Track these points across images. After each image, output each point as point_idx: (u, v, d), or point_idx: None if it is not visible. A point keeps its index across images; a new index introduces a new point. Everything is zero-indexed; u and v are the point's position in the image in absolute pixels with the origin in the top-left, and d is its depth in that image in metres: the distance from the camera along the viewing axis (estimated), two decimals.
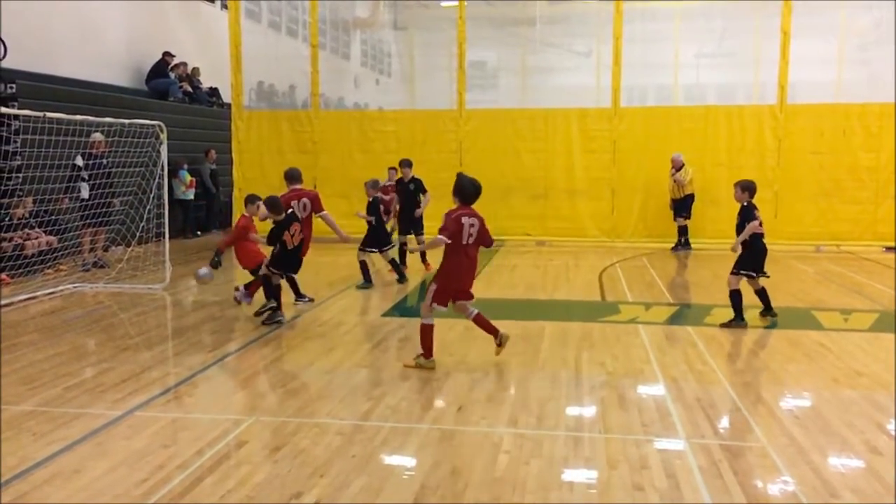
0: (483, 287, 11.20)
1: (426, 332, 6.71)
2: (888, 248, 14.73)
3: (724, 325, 8.25)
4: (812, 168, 15.17)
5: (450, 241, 6.55)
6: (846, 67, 21.54)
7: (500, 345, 6.92)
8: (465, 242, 6.61)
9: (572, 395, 6.11)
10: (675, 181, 14.66)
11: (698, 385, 6.31)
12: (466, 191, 6.67)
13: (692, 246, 14.84)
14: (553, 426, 5.39)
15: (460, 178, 6.85)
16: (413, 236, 11.84)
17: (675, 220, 14.88)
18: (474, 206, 6.77)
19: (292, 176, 9.84)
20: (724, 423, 5.54)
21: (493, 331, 6.93)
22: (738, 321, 8.23)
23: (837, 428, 5.36)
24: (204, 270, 8.96)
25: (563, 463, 4.75)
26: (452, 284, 6.75)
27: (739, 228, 8.27)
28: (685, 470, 4.63)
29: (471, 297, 6.93)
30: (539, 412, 5.64)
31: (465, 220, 6.58)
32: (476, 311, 6.94)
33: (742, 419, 5.62)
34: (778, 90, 15.25)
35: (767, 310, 8.57)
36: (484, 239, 6.75)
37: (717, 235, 14.11)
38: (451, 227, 6.54)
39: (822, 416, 5.63)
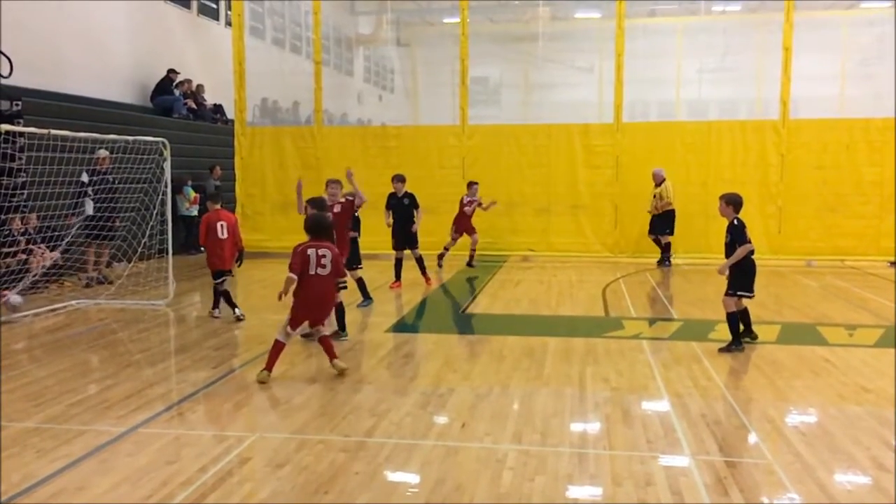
0: (487, 302, 11.22)
1: (274, 348, 6.97)
2: (892, 263, 14.70)
3: (722, 350, 7.91)
4: (815, 183, 15.17)
5: (295, 277, 6.80)
6: (849, 83, 21.64)
7: (334, 365, 7.06)
8: (313, 273, 6.85)
9: (576, 411, 6.09)
10: (655, 199, 14.61)
11: (703, 401, 6.29)
12: (311, 226, 7.03)
13: (673, 263, 14.83)
14: (557, 442, 5.37)
15: (309, 215, 7.26)
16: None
17: (661, 236, 14.76)
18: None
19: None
20: (730, 439, 5.50)
21: (332, 355, 7.06)
22: (736, 345, 7.90)
23: (843, 444, 5.33)
24: (16, 298, 9.19)
25: (568, 479, 4.73)
26: (302, 312, 7.00)
27: (729, 247, 7.88)
28: (690, 487, 4.60)
29: (322, 323, 7.14)
30: (543, 428, 5.62)
31: (310, 251, 6.86)
32: (322, 334, 7.14)
33: (747, 436, 5.60)
34: (780, 105, 15.29)
35: (748, 331, 8.19)
36: (336, 269, 7.00)
37: (720, 251, 14.05)
38: (296, 260, 6.86)
39: (828, 432, 5.60)
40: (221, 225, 9.65)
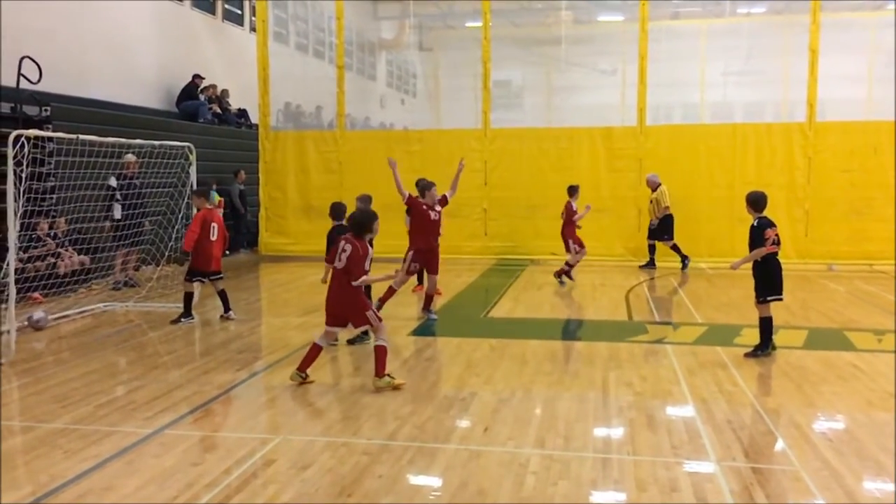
0: (510, 306, 11.20)
1: (310, 350, 6.93)
2: None
3: (748, 355, 7.81)
4: (843, 186, 14.98)
5: (328, 264, 7.00)
6: (876, 85, 21.33)
7: (374, 383, 6.70)
8: (335, 264, 6.80)
9: (600, 415, 6.05)
10: (653, 205, 14.54)
11: (728, 406, 6.23)
12: (350, 220, 6.99)
13: (657, 265, 14.74)
14: (581, 447, 5.34)
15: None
16: None
17: (660, 242, 14.68)
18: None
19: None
20: (756, 445, 5.45)
21: (378, 370, 6.67)
22: (764, 349, 7.80)
23: (872, 451, 5.25)
24: (39, 314, 9.20)
25: (592, 485, 4.71)
26: (326, 305, 6.95)
27: (750, 248, 7.78)
28: (716, 493, 4.56)
29: (337, 323, 6.89)
30: (566, 433, 5.60)
31: (341, 243, 6.80)
32: (381, 344, 6.71)
33: (774, 442, 5.53)
34: (807, 108, 15.11)
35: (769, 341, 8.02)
36: (348, 267, 6.63)
37: (745, 254, 13.93)
38: (332, 249, 6.96)
39: (856, 438, 5.53)
40: (214, 226, 9.69)
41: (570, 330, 9.60)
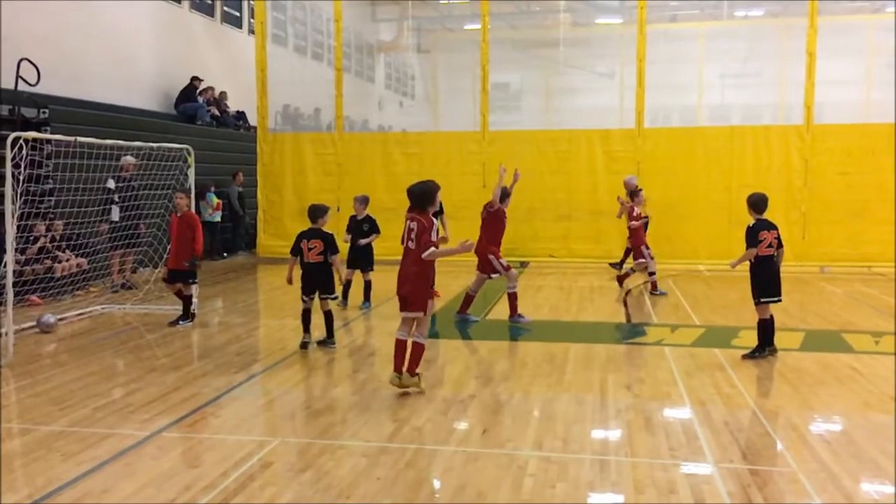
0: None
1: (395, 347, 6.58)
2: None
3: (745, 357, 7.82)
4: (840, 189, 15.01)
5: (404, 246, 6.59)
6: (874, 87, 21.40)
7: (401, 383, 6.52)
8: (403, 244, 6.62)
9: (598, 417, 6.06)
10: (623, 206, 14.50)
11: (726, 408, 6.23)
12: (409, 195, 6.69)
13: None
14: (579, 449, 5.35)
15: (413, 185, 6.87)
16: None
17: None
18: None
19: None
20: (754, 447, 5.45)
21: (411, 366, 6.55)
22: (761, 351, 7.82)
23: (870, 453, 5.26)
24: (49, 318, 9.21)
25: (589, 487, 4.71)
26: (398, 290, 6.68)
27: (747, 249, 7.81)
28: (714, 495, 4.56)
29: (408, 307, 6.51)
30: (565, 435, 5.60)
31: (407, 223, 6.61)
32: (419, 340, 6.55)
33: (772, 444, 5.54)
34: (804, 110, 15.15)
35: (769, 343, 8.01)
36: (419, 239, 6.44)
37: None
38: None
39: (853, 441, 5.53)
40: None
41: (569, 332, 9.60)
